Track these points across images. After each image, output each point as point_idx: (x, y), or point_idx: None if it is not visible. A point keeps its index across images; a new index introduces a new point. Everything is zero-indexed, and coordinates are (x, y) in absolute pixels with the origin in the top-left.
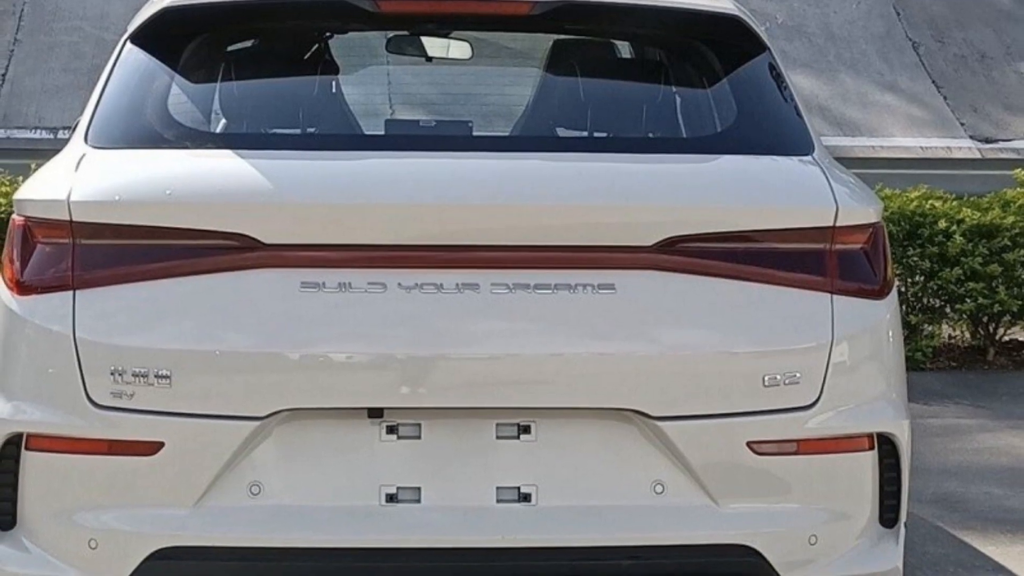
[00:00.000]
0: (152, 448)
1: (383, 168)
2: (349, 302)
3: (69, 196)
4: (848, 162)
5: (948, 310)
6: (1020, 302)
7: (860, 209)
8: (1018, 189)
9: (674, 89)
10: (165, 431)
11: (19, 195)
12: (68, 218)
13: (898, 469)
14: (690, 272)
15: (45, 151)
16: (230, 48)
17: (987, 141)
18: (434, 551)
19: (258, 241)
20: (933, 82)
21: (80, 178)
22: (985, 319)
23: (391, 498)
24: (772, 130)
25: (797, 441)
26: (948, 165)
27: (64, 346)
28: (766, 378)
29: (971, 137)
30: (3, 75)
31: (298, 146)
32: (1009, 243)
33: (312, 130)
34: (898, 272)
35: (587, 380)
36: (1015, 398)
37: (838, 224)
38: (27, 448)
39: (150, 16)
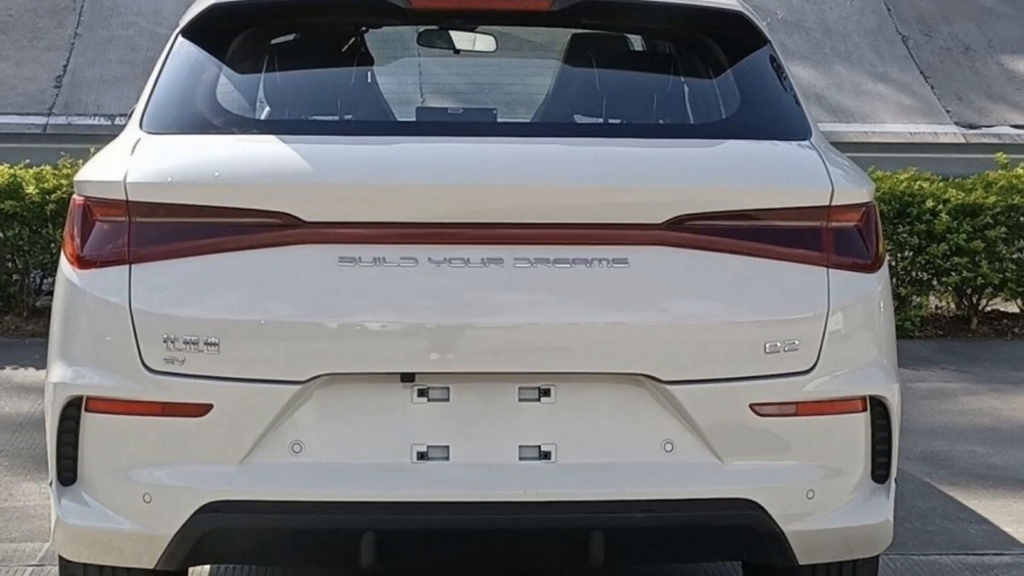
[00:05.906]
0: (202, 410)
1: (415, 151)
2: (383, 275)
3: (125, 178)
4: (842, 146)
5: (935, 283)
6: (1001, 275)
7: (854, 189)
8: (999, 171)
9: (682, 79)
10: (214, 394)
11: (79, 177)
12: (124, 198)
13: (889, 429)
14: (697, 248)
15: (103, 136)
16: (274, 41)
17: (971, 127)
18: (461, 505)
19: (299, 219)
20: (921, 73)
21: (135, 161)
22: (969, 291)
23: (422, 456)
24: (772, 117)
25: (796, 403)
26: (935, 149)
27: (120, 316)
28: (767, 345)
29: (956, 123)
30: (64, 66)
31: (336, 131)
32: (991, 221)
33: (349, 117)
34: (889, 248)
35: (602, 347)
36: (996, 364)
37: (834, 203)
38: (87, 410)
39: (200, 12)
